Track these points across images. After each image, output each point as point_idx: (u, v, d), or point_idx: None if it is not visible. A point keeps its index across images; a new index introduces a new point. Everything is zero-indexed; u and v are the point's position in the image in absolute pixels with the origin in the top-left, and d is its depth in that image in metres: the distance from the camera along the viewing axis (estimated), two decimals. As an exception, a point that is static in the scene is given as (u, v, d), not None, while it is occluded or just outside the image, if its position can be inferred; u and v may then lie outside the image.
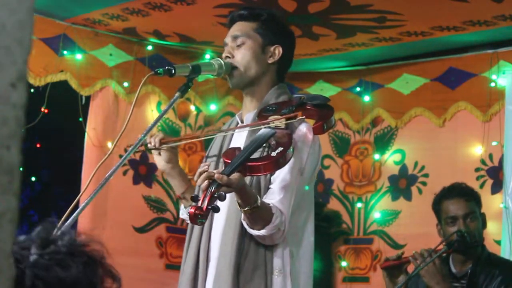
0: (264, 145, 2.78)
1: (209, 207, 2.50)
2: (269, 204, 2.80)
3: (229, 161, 2.66)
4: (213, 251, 2.95)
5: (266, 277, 2.85)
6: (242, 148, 2.79)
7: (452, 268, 3.92)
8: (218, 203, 2.91)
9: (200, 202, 2.51)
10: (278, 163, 2.69)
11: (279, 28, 3.12)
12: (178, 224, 5.47)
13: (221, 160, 2.96)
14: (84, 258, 1.30)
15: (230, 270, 2.83)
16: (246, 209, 2.72)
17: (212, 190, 2.54)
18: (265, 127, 2.84)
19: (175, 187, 3.15)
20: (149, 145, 3.03)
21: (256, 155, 2.73)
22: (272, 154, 2.69)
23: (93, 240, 1.35)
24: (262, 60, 3.06)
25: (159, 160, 3.10)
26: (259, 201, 2.74)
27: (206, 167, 2.66)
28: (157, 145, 3.04)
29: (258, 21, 3.09)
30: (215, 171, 2.64)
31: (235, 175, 2.60)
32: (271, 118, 2.89)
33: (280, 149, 2.70)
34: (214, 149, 3.12)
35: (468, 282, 3.83)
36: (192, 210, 2.48)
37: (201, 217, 2.49)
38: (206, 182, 2.58)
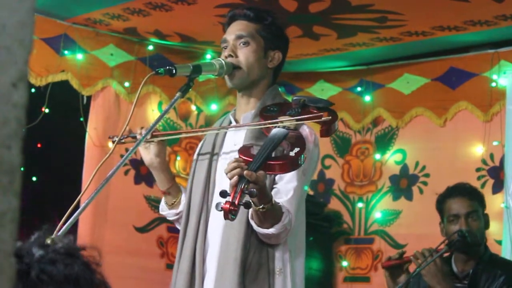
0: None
1: (241, 203, 2.52)
2: (279, 203, 2.81)
3: (249, 159, 2.65)
4: (210, 251, 2.95)
5: (269, 277, 2.86)
6: (246, 146, 2.79)
7: (454, 268, 3.92)
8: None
9: (231, 198, 2.52)
10: (294, 163, 2.68)
11: (279, 33, 3.13)
12: (179, 224, 5.47)
13: (220, 156, 3.01)
14: (82, 261, 1.32)
15: (235, 269, 2.82)
16: (260, 207, 2.71)
17: (242, 187, 2.55)
18: (269, 127, 2.84)
19: (161, 182, 3.13)
20: (138, 136, 3.01)
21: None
22: (290, 154, 2.68)
23: (90, 245, 1.36)
24: (263, 64, 3.07)
25: (146, 153, 3.09)
26: (273, 200, 2.74)
27: (237, 163, 2.64)
28: (148, 137, 3.03)
29: (261, 24, 3.09)
30: (244, 167, 2.62)
31: (261, 173, 2.61)
32: (281, 118, 2.86)
33: (297, 149, 2.70)
34: (206, 146, 3.12)
35: (470, 282, 3.83)
36: (227, 206, 2.50)
37: (234, 213, 2.52)
38: (236, 178, 2.58)
